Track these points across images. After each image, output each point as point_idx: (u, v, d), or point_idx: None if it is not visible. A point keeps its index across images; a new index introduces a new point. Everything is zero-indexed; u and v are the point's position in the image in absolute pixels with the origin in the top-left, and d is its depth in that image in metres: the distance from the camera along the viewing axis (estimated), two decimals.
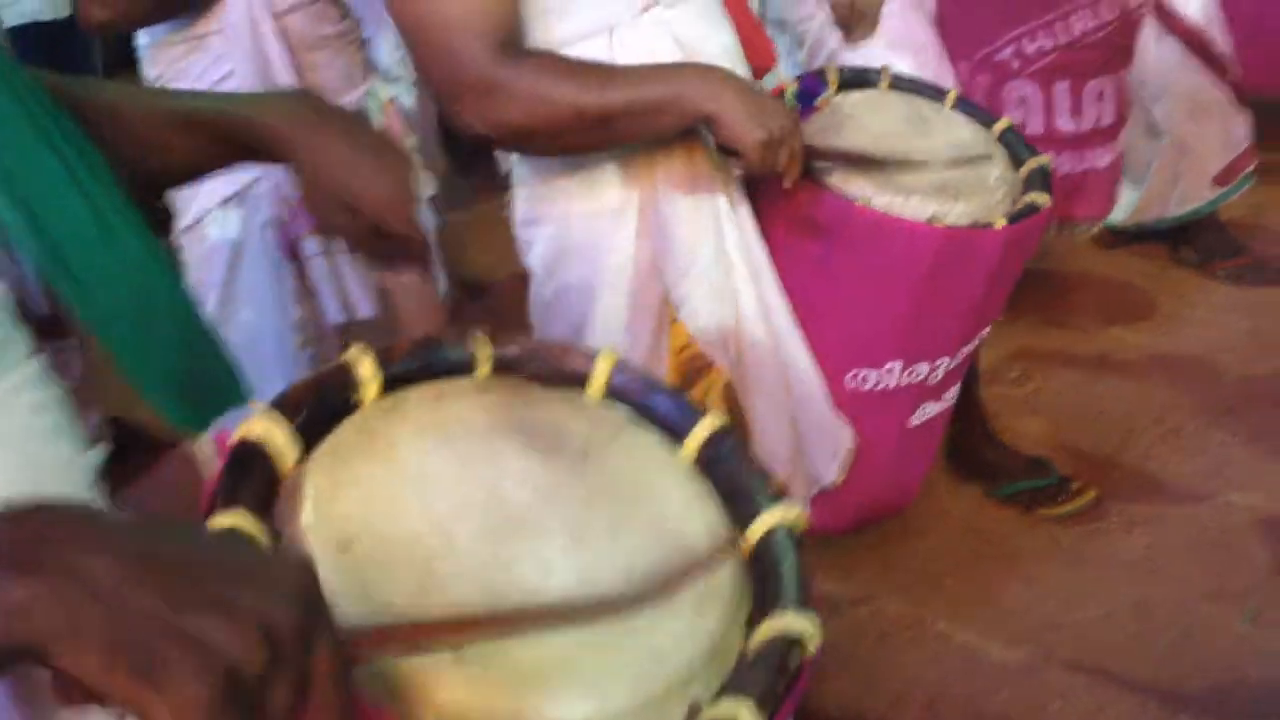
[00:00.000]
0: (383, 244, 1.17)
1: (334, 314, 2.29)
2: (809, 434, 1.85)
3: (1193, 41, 3.27)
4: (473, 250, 3.54)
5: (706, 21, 1.81)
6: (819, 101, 1.90)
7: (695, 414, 0.97)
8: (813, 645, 0.81)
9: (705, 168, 1.76)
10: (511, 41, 1.60)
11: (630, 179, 1.74)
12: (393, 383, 0.93)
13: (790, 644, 0.79)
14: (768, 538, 0.89)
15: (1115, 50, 2.66)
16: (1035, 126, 2.62)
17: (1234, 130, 3.44)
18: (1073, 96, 2.63)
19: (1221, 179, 3.46)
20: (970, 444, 2.77)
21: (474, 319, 1.15)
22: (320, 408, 0.88)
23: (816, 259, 1.75)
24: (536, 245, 1.82)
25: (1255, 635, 2.33)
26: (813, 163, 1.72)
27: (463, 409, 0.93)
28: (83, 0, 2.08)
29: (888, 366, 1.80)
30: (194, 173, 1.23)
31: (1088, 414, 3.03)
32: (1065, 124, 2.65)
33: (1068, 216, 2.83)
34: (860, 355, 1.80)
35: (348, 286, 2.28)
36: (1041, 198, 1.79)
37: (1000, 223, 1.71)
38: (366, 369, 0.91)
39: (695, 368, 1.76)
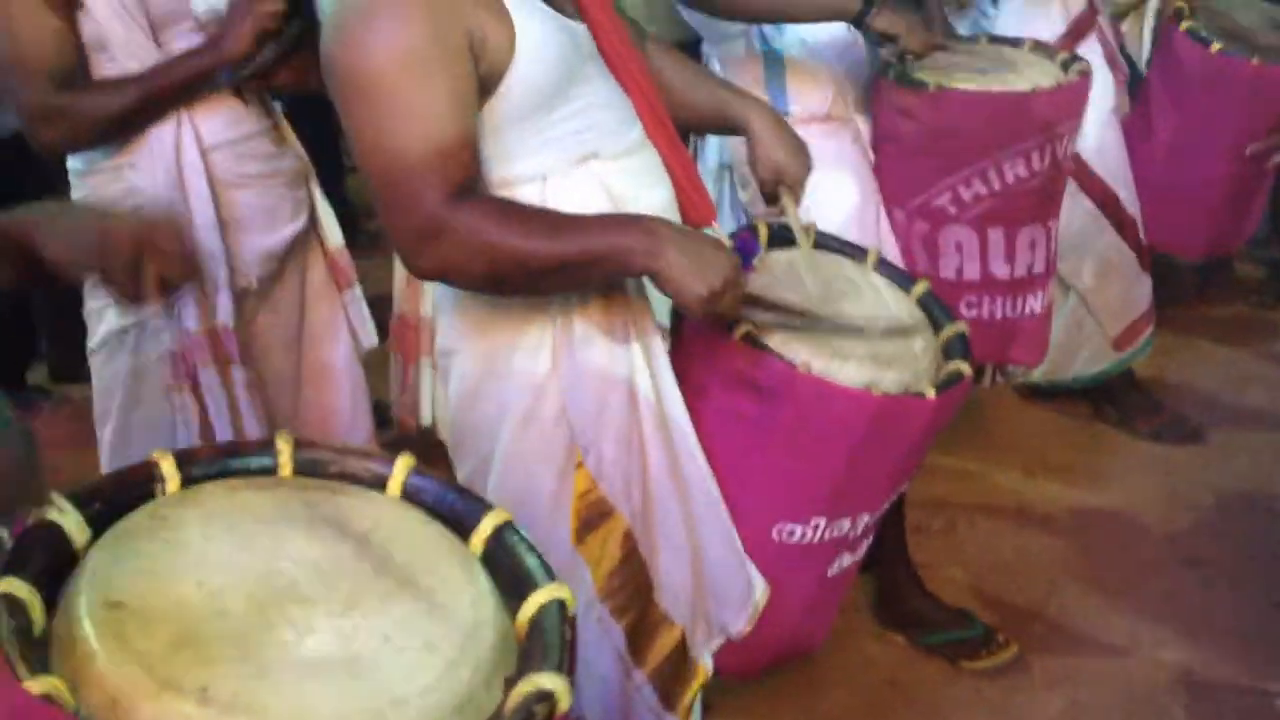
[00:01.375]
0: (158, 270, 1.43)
1: None
2: (717, 585, 1.83)
3: (1105, 202, 3.37)
4: None
5: (644, 177, 1.84)
6: (756, 261, 1.92)
7: (483, 509, 1.12)
8: (564, 703, 0.94)
9: (625, 314, 1.77)
10: (468, 187, 1.63)
11: (549, 319, 1.76)
12: (197, 481, 1.08)
13: (541, 698, 0.93)
14: (540, 613, 1.03)
15: (1046, 198, 2.71)
16: (972, 272, 2.67)
17: (1136, 292, 3.53)
18: (1007, 243, 2.67)
19: (1121, 341, 3.53)
20: (896, 593, 2.77)
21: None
22: (120, 499, 1.03)
23: (752, 417, 1.77)
24: (452, 376, 1.84)
25: None
26: (752, 322, 1.75)
27: (254, 500, 1.07)
28: (32, 119, 2.09)
29: (814, 522, 1.82)
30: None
31: (1010, 566, 3.04)
32: (1000, 269, 2.69)
33: (1004, 360, 2.88)
34: (788, 511, 1.81)
35: (242, 418, 2.25)
36: (963, 366, 1.85)
37: (930, 392, 1.75)
38: (168, 466, 1.07)
39: (597, 513, 1.77)
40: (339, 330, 2.48)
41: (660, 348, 1.81)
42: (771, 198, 2.08)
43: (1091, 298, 3.47)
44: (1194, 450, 3.53)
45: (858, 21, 2.48)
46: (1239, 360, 4.05)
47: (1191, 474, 3.42)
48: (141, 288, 1.43)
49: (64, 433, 3.05)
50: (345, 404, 2.49)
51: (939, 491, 3.19)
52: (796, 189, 2.07)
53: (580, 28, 1.80)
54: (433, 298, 1.97)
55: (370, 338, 2.52)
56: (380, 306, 2.48)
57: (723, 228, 2.02)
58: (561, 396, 1.77)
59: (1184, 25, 3.12)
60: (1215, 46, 3.02)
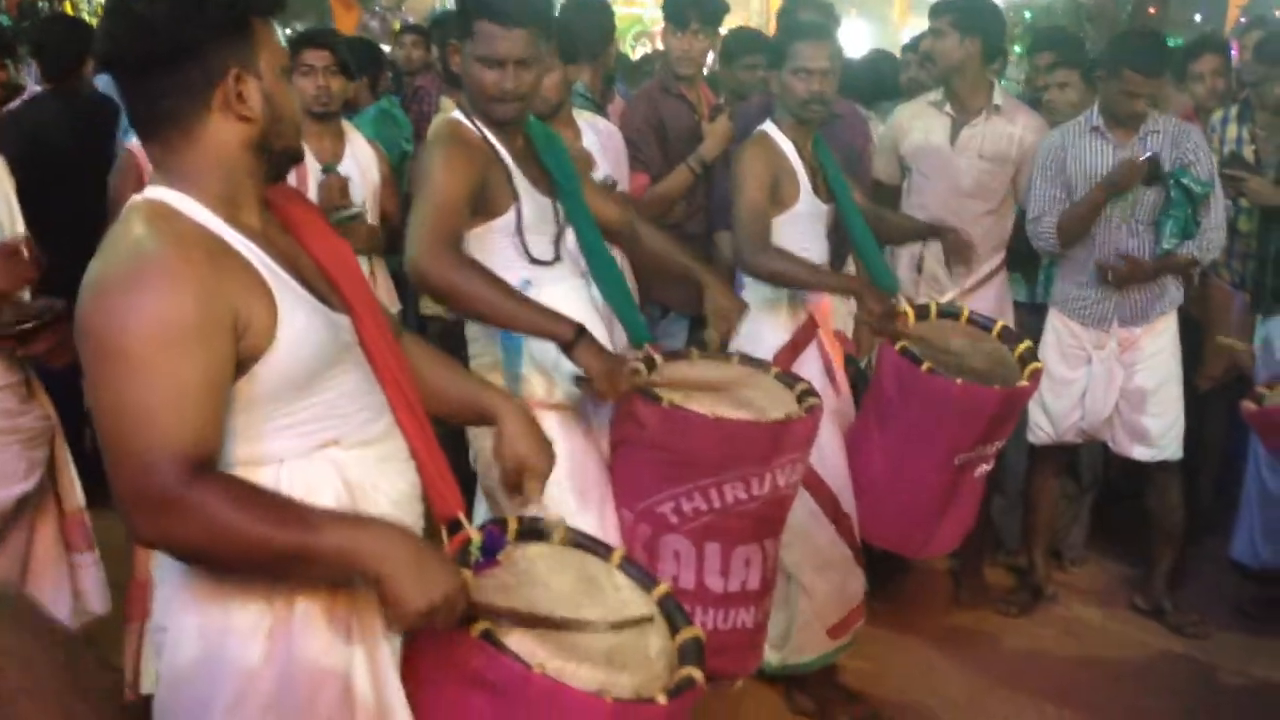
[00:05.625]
0: None
1: None
2: None
3: (825, 501, 3.56)
4: None
5: (385, 465, 1.87)
6: (500, 555, 1.94)
7: None
8: None
9: (349, 609, 1.76)
10: (206, 465, 1.62)
11: (268, 602, 1.74)
12: None
13: None
14: None
15: (764, 522, 2.83)
16: (687, 581, 2.75)
17: (850, 585, 3.71)
18: (723, 558, 2.78)
19: (835, 631, 3.68)
20: None
21: None
22: None
23: (487, 715, 1.76)
24: (164, 653, 1.78)
25: None
26: (490, 619, 1.77)
27: None
28: None
29: None
30: None
31: None
32: (715, 582, 2.79)
33: (713, 672, 2.92)
34: None
35: None
36: (696, 673, 1.89)
37: (661, 698, 1.80)
38: None
39: None
40: (60, 593, 2.36)
41: (387, 650, 1.80)
42: (515, 487, 2.15)
43: (812, 589, 3.61)
44: None
45: (565, 349, 2.62)
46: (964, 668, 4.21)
47: None
48: None
49: None
50: None
51: None
52: (540, 481, 2.13)
53: (342, 319, 1.84)
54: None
55: (102, 604, 2.40)
56: None
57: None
58: (274, 684, 1.73)
59: (898, 345, 3.36)
60: (925, 366, 3.27)
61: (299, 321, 1.74)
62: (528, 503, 2.14)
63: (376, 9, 12.66)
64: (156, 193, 1.76)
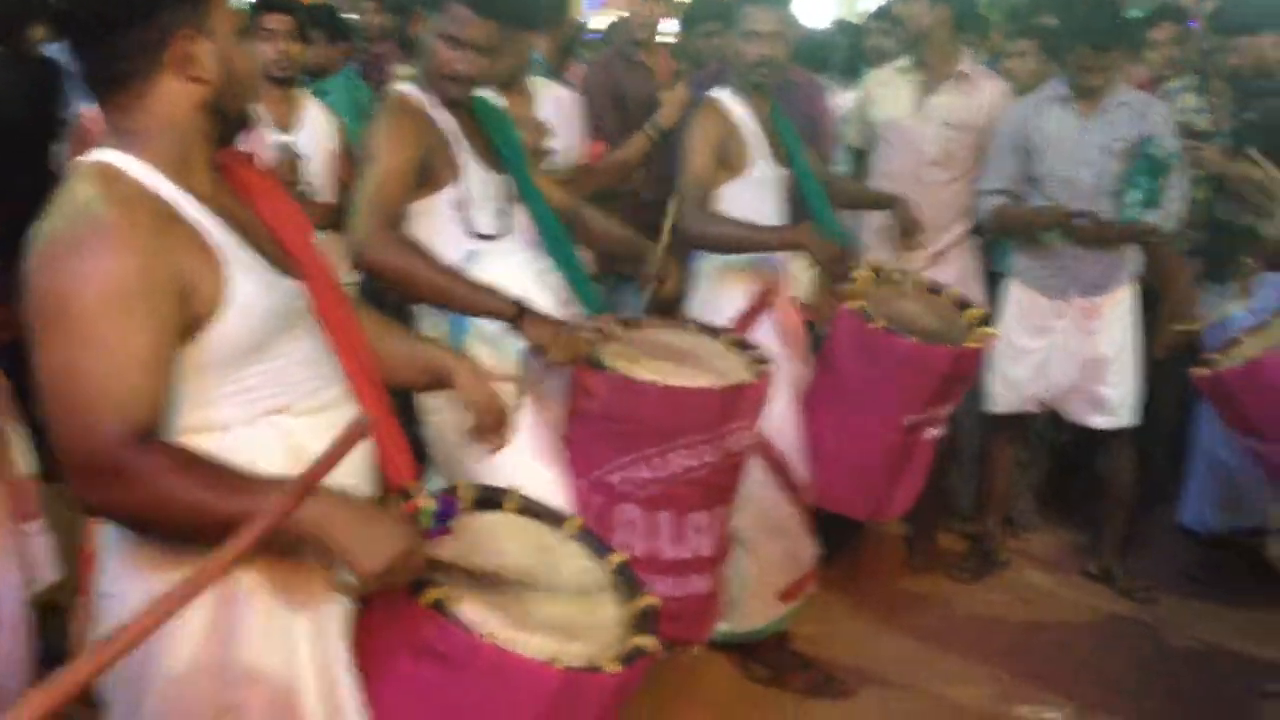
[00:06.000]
0: None
1: None
2: None
3: (777, 467, 3.59)
4: None
5: (335, 433, 1.84)
6: (452, 523, 1.95)
7: None
8: None
9: (293, 575, 1.77)
10: (151, 430, 1.62)
11: None
12: None
13: None
14: None
15: (715, 489, 2.85)
16: (641, 550, 2.76)
17: (801, 550, 3.74)
18: (675, 526, 2.79)
19: (786, 596, 3.72)
20: None
21: None
22: None
23: (437, 687, 1.77)
24: (108, 620, 1.78)
25: None
26: (442, 587, 1.78)
27: None
28: None
29: None
30: None
31: None
32: (668, 550, 2.80)
33: (668, 639, 2.93)
34: None
35: None
36: (649, 641, 1.91)
37: (612, 667, 1.81)
38: None
39: None
40: (8, 562, 2.34)
41: (334, 621, 1.80)
42: (491, 430, 2.26)
43: (762, 552, 3.63)
44: (848, 705, 3.71)
45: (513, 325, 2.64)
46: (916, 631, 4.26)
47: None
48: None
49: None
50: (4, 644, 2.32)
51: None
52: (508, 423, 2.16)
53: (295, 285, 1.83)
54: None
55: (50, 573, 2.38)
56: None
57: None
58: (217, 654, 1.74)
59: (851, 304, 3.39)
60: (879, 323, 3.29)
61: (248, 287, 1.74)
62: (501, 445, 2.16)
63: None
64: (104, 154, 1.74)
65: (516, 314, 2.63)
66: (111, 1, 1.71)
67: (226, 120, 1.84)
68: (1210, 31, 4.93)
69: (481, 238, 2.82)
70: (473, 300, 2.66)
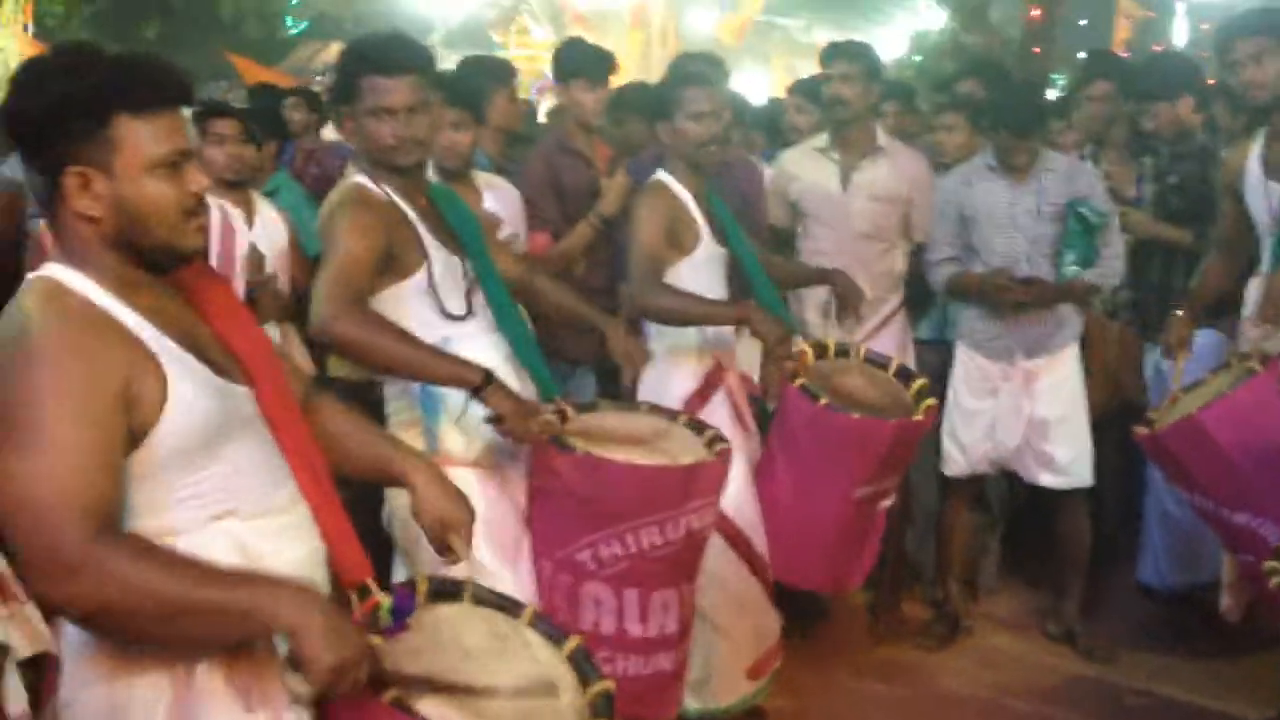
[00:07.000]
0: None
1: None
2: None
3: (738, 543, 3.59)
4: None
5: (284, 534, 1.88)
6: (410, 619, 1.95)
7: None
8: None
9: (250, 677, 1.77)
10: (111, 525, 1.64)
11: (169, 671, 1.75)
12: None
13: None
14: None
15: (679, 566, 2.88)
16: (608, 627, 2.79)
17: (765, 624, 3.74)
18: (641, 604, 2.81)
19: (753, 672, 3.71)
20: None
21: None
22: None
23: None
24: None
25: None
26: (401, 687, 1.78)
27: None
28: None
29: None
30: None
31: None
32: (634, 628, 2.82)
33: (631, 717, 2.94)
34: None
35: None
36: None
37: None
38: None
39: None
40: None
41: (289, 710, 1.80)
42: (442, 547, 2.16)
43: (727, 628, 3.63)
44: None
45: (475, 394, 2.66)
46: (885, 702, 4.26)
47: None
48: None
49: None
50: None
51: None
52: (465, 534, 2.16)
53: (241, 390, 1.85)
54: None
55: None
56: None
57: None
58: None
59: (796, 382, 3.44)
60: (822, 401, 3.34)
61: (187, 392, 1.76)
62: (458, 559, 2.16)
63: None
64: (49, 270, 1.79)
65: (484, 382, 2.64)
66: (12, 124, 1.76)
67: (143, 253, 1.82)
68: (1124, 97, 5.06)
69: (451, 319, 2.84)
70: (437, 368, 2.67)
